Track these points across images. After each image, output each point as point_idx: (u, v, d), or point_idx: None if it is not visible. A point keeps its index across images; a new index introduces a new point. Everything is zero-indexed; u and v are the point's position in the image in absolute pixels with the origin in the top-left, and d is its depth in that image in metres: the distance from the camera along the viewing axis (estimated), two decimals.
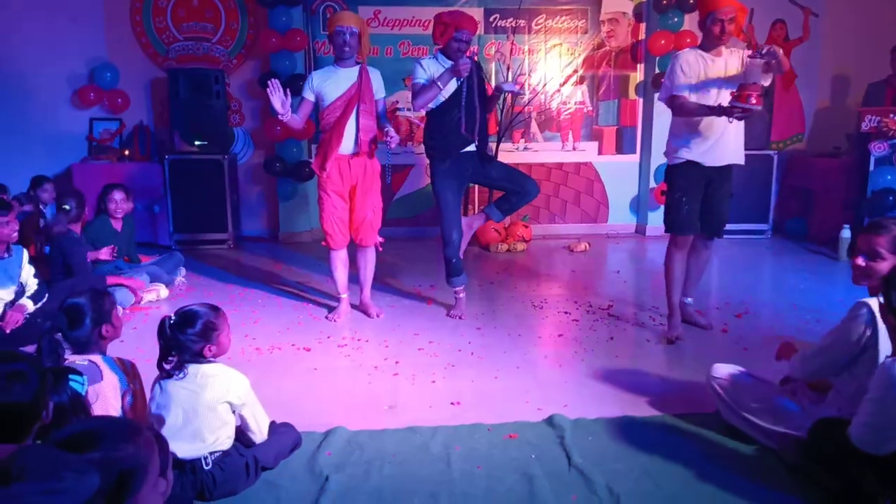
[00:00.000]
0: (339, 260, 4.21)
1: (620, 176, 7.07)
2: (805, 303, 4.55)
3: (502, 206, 4.27)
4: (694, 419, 2.80)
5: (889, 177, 5.63)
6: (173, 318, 2.23)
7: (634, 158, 7.09)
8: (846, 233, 5.79)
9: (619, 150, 7.10)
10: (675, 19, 6.54)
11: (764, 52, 3.35)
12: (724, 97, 3.51)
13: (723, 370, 2.75)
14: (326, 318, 4.23)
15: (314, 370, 3.42)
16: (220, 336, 2.29)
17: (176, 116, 6.22)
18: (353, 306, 4.37)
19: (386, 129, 3.86)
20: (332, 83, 3.93)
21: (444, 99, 3.92)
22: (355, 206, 4.08)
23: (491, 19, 6.74)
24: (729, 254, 6.19)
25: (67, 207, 4.38)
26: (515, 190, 4.16)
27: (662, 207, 4.03)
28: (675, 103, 3.62)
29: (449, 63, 3.90)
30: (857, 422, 2.09)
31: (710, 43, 3.62)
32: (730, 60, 3.63)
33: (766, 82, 3.45)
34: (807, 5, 7.01)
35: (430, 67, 3.93)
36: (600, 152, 7.06)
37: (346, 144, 3.94)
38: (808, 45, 7.10)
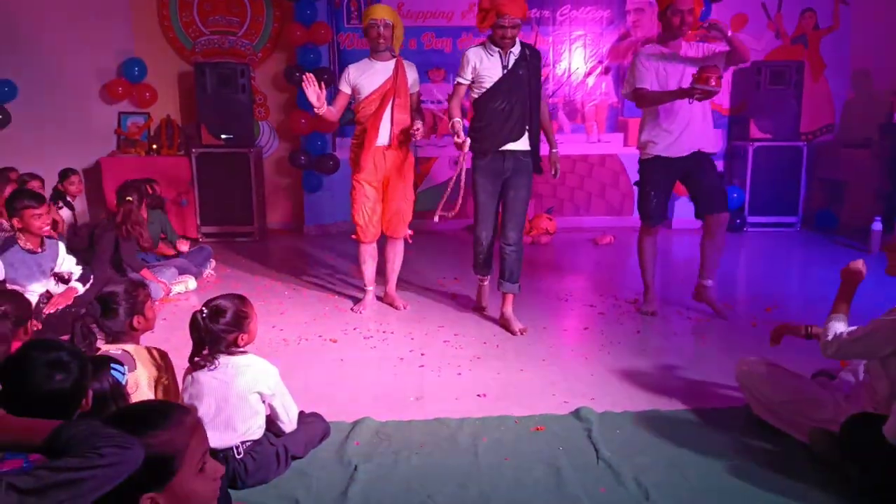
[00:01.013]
0: (368, 253, 4.21)
1: None
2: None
3: (502, 272, 3.88)
4: (723, 413, 2.79)
5: None
6: (205, 311, 2.26)
7: None
8: (877, 225, 5.69)
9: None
10: (703, 8, 6.44)
11: (708, 27, 3.53)
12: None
13: (752, 364, 2.73)
14: (352, 309, 4.24)
15: (341, 361, 3.45)
16: (251, 324, 2.33)
17: (202, 110, 6.29)
18: (378, 299, 4.39)
19: (416, 124, 3.89)
20: (368, 76, 3.94)
21: (487, 87, 3.68)
22: (388, 196, 4.09)
23: None
24: (758, 246, 6.11)
25: (130, 199, 4.45)
26: (501, 232, 3.83)
27: (682, 199, 4.31)
28: (637, 95, 3.78)
29: (496, 52, 3.66)
30: None
31: (669, 34, 3.77)
32: (688, 52, 3.78)
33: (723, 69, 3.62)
34: None
35: (474, 59, 3.69)
36: (626, 144, 7.00)
37: (382, 137, 3.95)
38: (837, 34, 6.97)
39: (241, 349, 2.30)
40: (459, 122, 3.72)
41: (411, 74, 4.02)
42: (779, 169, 6.58)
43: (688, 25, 3.69)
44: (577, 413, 2.76)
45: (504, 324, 3.88)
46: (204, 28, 6.71)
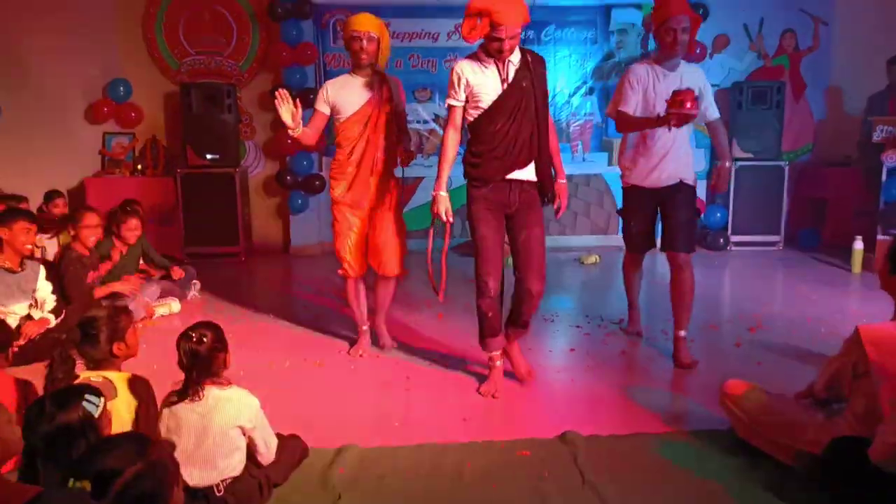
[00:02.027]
0: (357, 289, 3.81)
1: None
2: (819, 315, 4.52)
3: (515, 320, 3.31)
4: (708, 436, 2.78)
5: None
6: (193, 335, 2.19)
7: None
8: (859, 244, 5.75)
9: None
10: (701, 24, 6.55)
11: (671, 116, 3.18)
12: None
13: (736, 386, 2.73)
14: (348, 353, 3.85)
15: (325, 385, 3.42)
16: (228, 356, 2.29)
17: (188, 130, 6.28)
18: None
19: (402, 147, 3.62)
20: (348, 94, 3.52)
21: (485, 106, 3.06)
22: (375, 227, 3.66)
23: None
24: (741, 265, 6.16)
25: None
26: (518, 278, 3.19)
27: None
28: (618, 117, 3.57)
29: (491, 63, 3.02)
30: (881, 441, 2.07)
31: (663, 53, 3.54)
32: (687, 76, 3.52)
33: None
34: (817, 14, 7.00)
35: (466, 74, 3.04)
36: (610, 163, 7.05)
37: (365, 161, 3.57)
38: (818, 55, 7.08)
39: (224, 379, 2.26)
40: (446, 200, 3.13)
41: (397, 92, 3.65)
42: (761, 188, 6.65)
43: (681, 45, 3.44)
44: (563, 437, 2.75)
45: (515, 365, 3.41)
46: (190, 48, 6.71)
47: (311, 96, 5.99)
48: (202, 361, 2.18)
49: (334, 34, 6.68)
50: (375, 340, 3.94)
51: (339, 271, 3.76)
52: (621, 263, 4.16)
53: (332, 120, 3.63)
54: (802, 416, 2.52)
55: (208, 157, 6.29)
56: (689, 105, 3.18)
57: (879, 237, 5.71)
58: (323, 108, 3.59)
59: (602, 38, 6.90)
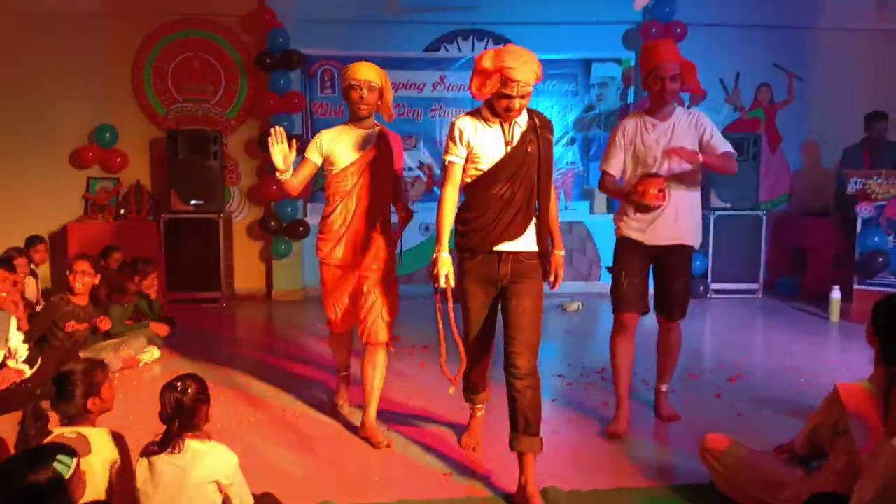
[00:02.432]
0: (341, 339, 3.66)
1: (612, 234, 7.13)
2: (798, 365, 4.56)
3: (517, 424, 2.76)
4: (689, 490, 2.78)
5: (876, 238, 5.71)
6: (178, 385, 2.19)
7: None
8: (836, 294, 5.84)
9: (611, 208, 7.19)
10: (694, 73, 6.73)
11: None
12: (667, 166, 3.29)
13: (717, 441, 2.74)
14: (333, 402, 3.78)
15: (304, 438, 3.38)
16: (210, 408, 2.28)
17: (173, 176, 6.31)
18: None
19: (403, 204, 3.42)
20: (345, 146, 3.27)
21: (485, 168, 2.76)
22: (363, 290, 3.32)
23: None
24: (720, 314, 6.21)
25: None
26: (507, 352, 2.77)
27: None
28: (601, 178, 3.46)
29: (496, 123, 2.74)
30: (858, 498, 2.07)
31: (653, 103, 3.36)
32: (680, 123, 3.31)
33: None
34: (791, 69, 7.23)
35: (469, 132, 2.74)
36: (592, 211, 7.16)
37: (356, 219, 3.30)
38: (793, 108, 7.29)
39: (204, 433, 2.24)
40: (448, 263, 2.73)
41: (397, 147, 3.42)
42: (739, 237, 6.76)
43: (671, 94, 3.25)
44: (544, 493, 2.73)
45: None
46: (178, 95, 6.78)
47: (299, 144, 6.01)
48: (186, 413, 2.17)
49: (322, 84, 6.80)
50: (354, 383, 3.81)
51: (326, 324, 3.64)
52: (610, 331, 3.52)
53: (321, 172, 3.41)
54: (782, 471, 2.53)
55: (192, 202, 6.31)
56: (651, 194, 3.11)
57: (856, 287, 5.81)
58: (314, 157, 3.32)
59: (583, 91, 7.08)
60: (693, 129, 3.33)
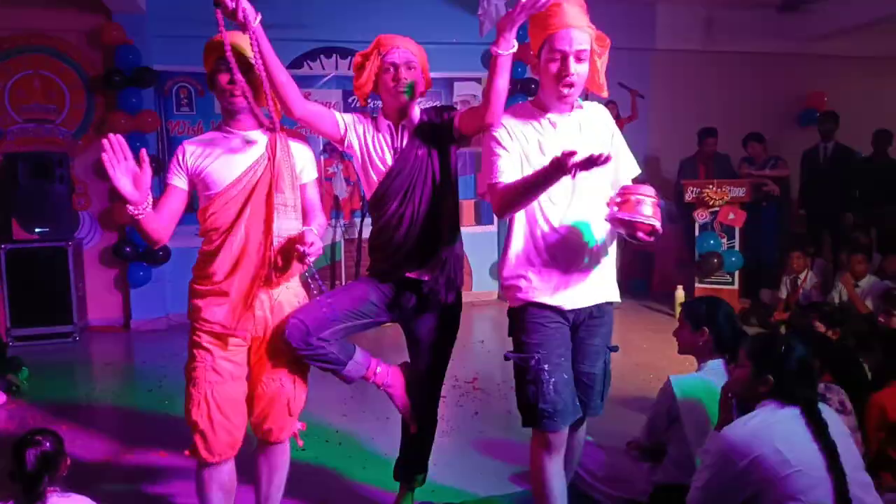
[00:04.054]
0: (217, 483, 2.31)
1: (481, 245, 7.41)
2: (647, 361, 4.95)
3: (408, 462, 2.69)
4: None
5: (711, 241, 6.32)
6: (40, 439, 2.05)
7: (493, 228, 7.49)
8: (680, 292, 6.39)
9: (478, 220, 7.49)
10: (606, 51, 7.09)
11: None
12: (583, 187, 2.17)
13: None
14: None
15: (165, 486, 3.20)
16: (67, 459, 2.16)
17: (14, 203, 5.82)
18: None
19: (307, 238, 2.21)
20: (220, 159, 2.28)
21: (374, 181, 2.40)
22: (261, 369, 2.33)
23: (350, 100, 6.95)
24: None
25: None
26: (414, 400, 2.52)
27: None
28: (495, 195, 2.16)
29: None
30: (694, 486, 2.31)
31: (548, 92, 2.17)
32: (588, 122, 2.24)
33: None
34: (635, 88, 7.84)
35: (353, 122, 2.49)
36: (462, 224, 7.38)
37: (249, 262, 2.27)
38: (636, 124, 7.90)
39: (62, 487, 2.12)
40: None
41: (301, 154, 2.40)
42: None
43: (580, 77, 2.12)
44: None
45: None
46: (17, 116, 6.27)
47: (154, 164, 5.73)
48: (52, 466, 2.04)
49: (178, 101, 6.55)
50: None
51: (186, 452, 2.30)
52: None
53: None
54: (633, 467, 2.76)
55: (37, 230, 5.86)
56: (647, 211, 2.02)
57: (697, 285, 6.39)
58: (179, 181, 2.31)
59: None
60: (603, 123, 2.30)
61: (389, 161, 2.39)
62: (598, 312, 2.30)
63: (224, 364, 2.27)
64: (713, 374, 2.59)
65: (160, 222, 2.26)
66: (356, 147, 2.46)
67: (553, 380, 2.16)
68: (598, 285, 2.26)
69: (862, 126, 7.12)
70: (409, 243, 2.40)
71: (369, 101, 2.52)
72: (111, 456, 3.47)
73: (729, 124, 7.31)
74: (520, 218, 2.23)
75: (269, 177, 2.30)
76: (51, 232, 5.90)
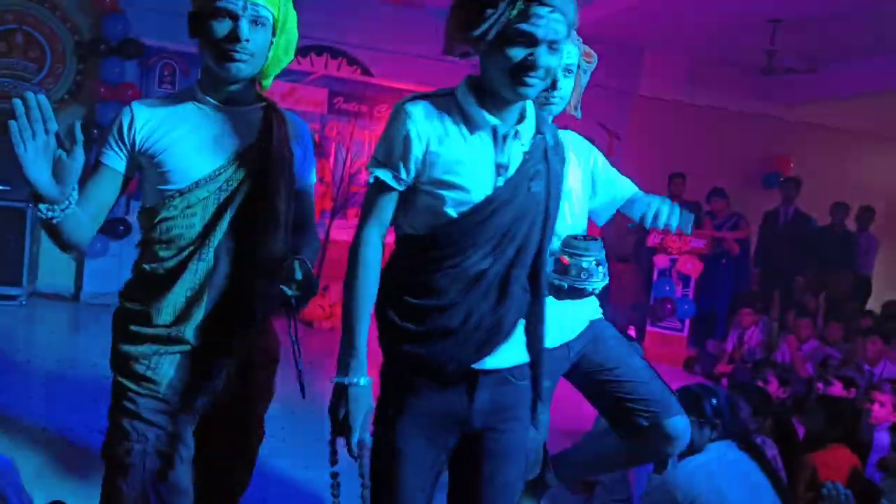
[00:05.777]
0: None
1: None
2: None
3: None
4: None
5: (667, 287, 6.50)
6: None
7: None
8: (632, 332, 6.54)
9: None
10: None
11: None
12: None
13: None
14: None
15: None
16: None
17: None
18: None
19: (294, 270, 1.51)
20: (190, 141, 1.55)
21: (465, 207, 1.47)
22: (213, 443, 1.67)
23: (335, 101, 6.95)
24: None
25: None
26: None
27: None
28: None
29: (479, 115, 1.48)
30: None
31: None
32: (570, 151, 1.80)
33: None
34: (613, 129, 8.03)
35: (420, 124, 1.47)
36: None
37: (217, 305, 1.57)
38: (612, 163, 8.09)
39: None
40: (364, 399, 1.47)
41: (299, 140, 1.70)
42: None
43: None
44: None
45: None
46: None
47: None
48: None
49: (161, 78, 6.49)
50: None
51: None
52: None
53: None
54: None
55: None
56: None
57: (649, 328, 6.56)
58: (115, 160, 1.58)
59: None
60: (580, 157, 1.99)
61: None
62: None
63: (173, 442, 1.54)
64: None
65: (81, 220, 1.48)
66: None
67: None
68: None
69: (821, 195, 7.42)
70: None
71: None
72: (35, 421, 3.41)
73: (696, 176, 7.53)
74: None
75: (260, 178, 1.56)
76: (11, 191, 5.77)
